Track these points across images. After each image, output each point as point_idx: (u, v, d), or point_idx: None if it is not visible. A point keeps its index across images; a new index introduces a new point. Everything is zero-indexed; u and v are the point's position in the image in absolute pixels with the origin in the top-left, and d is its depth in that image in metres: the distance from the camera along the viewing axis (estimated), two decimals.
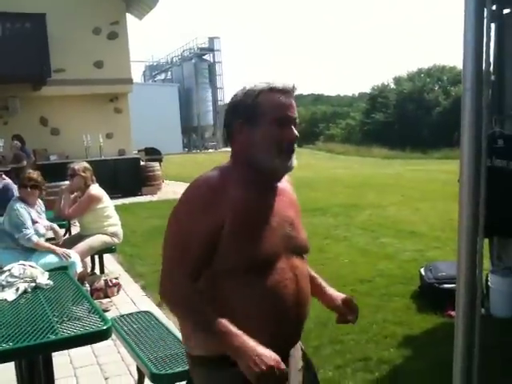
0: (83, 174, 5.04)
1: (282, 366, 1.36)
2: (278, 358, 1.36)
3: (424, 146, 29.09)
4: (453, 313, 4.24)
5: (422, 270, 4.81)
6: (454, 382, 1.29)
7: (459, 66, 42.20)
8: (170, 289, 1.48)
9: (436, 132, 31.79)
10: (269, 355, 1.35)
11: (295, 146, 1.56)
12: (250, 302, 1.45)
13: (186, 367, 2.41)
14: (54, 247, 4.48)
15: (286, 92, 1.54)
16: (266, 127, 1.51)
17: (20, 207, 4.33)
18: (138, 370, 2.98)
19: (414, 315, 4.31)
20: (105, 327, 2.02)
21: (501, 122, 3.96)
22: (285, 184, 1.65)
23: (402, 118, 33.24)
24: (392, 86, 38.30)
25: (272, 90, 1.52)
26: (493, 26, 3.47)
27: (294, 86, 1.56)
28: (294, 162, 1.56)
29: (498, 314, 4.17)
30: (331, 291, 1.82)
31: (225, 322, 1.39)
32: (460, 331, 1.28)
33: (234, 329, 1.38)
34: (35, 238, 4.34)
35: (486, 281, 4.37)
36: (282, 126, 1.52)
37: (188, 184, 1.63)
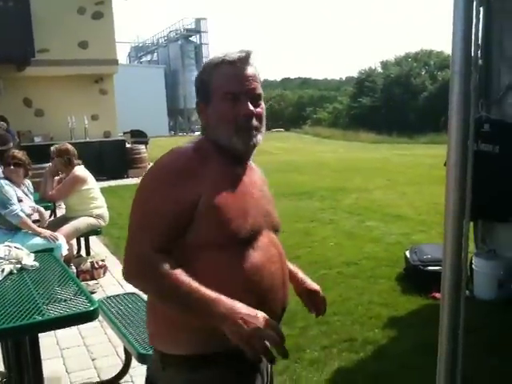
0: (59, 157, 5.01)
1: (274, 323, 1.24)
2: (267, 316, 1.24)
3: (410, 131, 29.23)
4: (437, 295, 4.30)
5: (407, 253, 4.87)
6: (439, 362, 1.31)
7: (446, 50, 42.24)
8: (135, 262, 1.32)
9: (422, 117, 31.93)
10: (257, 314, 1.23)
11: (257, 122, 1.41)
12: (237, 276, 1.34)
13: None
14: (40, 230, 4.44)
15: (240, 63, 1.40)
16: (217, 103, 1.39)
17: (5, 184, 4.29)
18: (125, 350, 3.00)
19: (399, 297, 4.37)
20: (91, 308, 2.02)
21: (487, 106, 3.98)
22: (255, 167, 1.57)
23: (389, 103, 33.32)
24: (379, 70, 38.32)
25: (223, 62, 1.40)
26: (481, 10, 3.46)
27: (249, 55, 1.41)
28: (259, 138, 1.42)
29: (482, 296, 4.24)
30: (302, 278, 1.75)
31: (200, 286, 1.25)
32: (445, 313, 1.30)
33: (212, 293, 1.25)
34: (22, 214, 4.31)
35: (470, 263, 4.43)
36: (236, 100, 1.38)
37: None
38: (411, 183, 10.98)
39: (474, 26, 1.15)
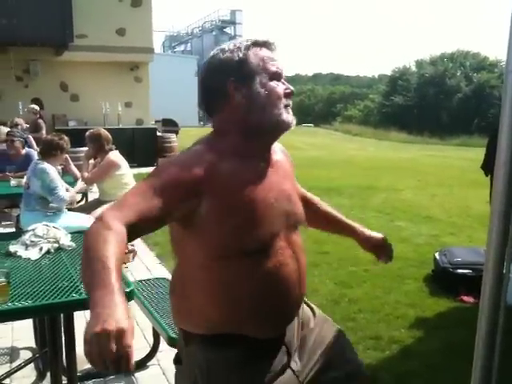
0: (93, 142, 5.11)
1: (127, 339, 0.98)
2: (126, 327, 0.98)
3: (442, 132, 28.83)
4: (466, 298, 4.26)
5: (437, 255, 4.82)
6: (475, 369, 1.30)
7: (483, 52, 41.46)
8: (101, 215, 1.24)
9: (455, 118, 31.45)
10: (116, 319, 0.98)
11: (290, 101, 1.45)
12: (250, 284, 1.35)
13: None
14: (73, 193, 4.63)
15: (270, 46, 1.45)
16: (262, 82, 1.39)
17: (51, 170, 4.36)
18: (154, 334, 3.05)
19: (427, 298, 4.33)
20: (127, 290, 2.05)
21: None
22: (278, 154, 1.54)
23: (422, 103, 32.90)
24: (413, 69, 37.81)
25: (257, 43, 1.43)
26: None
27: (274, 42, 1.46)
28: (293, 118, 1.45)
29: (510, 302, 4.17)
30: (361, 229, 1.92)
31: (112, 272, 1.08)
32: (483, 317, 1.28)
33: (112, 283, 1.06)
34: (67, 198, 4.43)
35: None
36: (277, 80, 1.42)
37: None
38: (442, 185, 10.83)
39: None
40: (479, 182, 10.11)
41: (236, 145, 1.39)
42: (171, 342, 2.41)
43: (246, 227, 1.33)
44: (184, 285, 1.45)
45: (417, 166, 14.58)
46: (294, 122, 1.44)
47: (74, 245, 2.77)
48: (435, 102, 33.16)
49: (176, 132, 15.78)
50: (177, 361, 1.55)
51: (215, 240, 1.32)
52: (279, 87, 1.41)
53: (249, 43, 1.42)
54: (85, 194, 6.65)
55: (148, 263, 5.24)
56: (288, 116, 1.42)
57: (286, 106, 1.42)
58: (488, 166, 4.22)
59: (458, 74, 35.02)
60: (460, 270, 4.45)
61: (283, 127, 1.42)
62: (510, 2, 1.21)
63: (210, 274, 1.36)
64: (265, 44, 1.43)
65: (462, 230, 6.87)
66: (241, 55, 1.39)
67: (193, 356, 1.43)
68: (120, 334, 0.96)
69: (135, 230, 1.24)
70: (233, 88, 1.38)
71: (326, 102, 46.34)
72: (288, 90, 1.43)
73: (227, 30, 43.70)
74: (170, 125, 16.74)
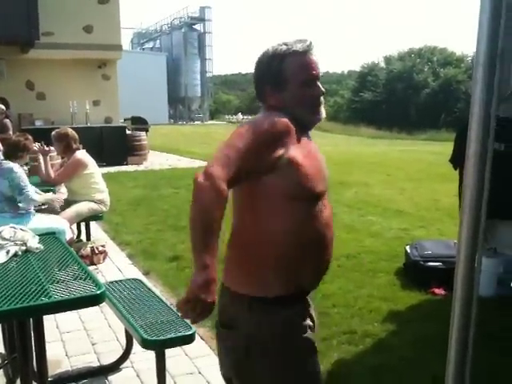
0: (59, 141, 5.03)
1: (210, 299, 1.39)
2: (210, 290, 1.39)
3: (411, 127, 29.23)
4: (437, 290, 4.32)
5: (408, 248, 4.88)
6: (449, 360, 1.31)
7: (450, 47, 42.15)
8: (206, 176, 1.43)
9: (423, 113, 31.94)
10: (213, 293, 1.39)
11: (322, 98, 1.67)
12: (312, 227, 1.58)
13: (178, 334, 2.44)
14: (51, 196, 4.50)
15: (309, 52, 1.61)
16: (296, 90, 1.60)
17: (19, 169, 4.27)
18: (127, 336, 3.01)
19: (399, 291, 4.38)
20: (98, 292, 2.02)
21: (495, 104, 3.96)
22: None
23: (391, 98, 33.35)
24: (382, 64, 38.24)
25: (295, 52, 1.60)
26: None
27: (311, 43, 1.63)
28: (324, 112, 1.68)
29: (481, 294, 4.23)
30: None
31: (215, 240, 1.42)
32: (457, 309, 1.29)
33: (212, 254, 1.40)
34: (36, 197, 4.33)
35: None
36: (310, 85, 1.62)
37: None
38: (411, 179, 10.99)
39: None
40: (447, 176, 10.29)
41: (293, 120, 1.59)
42: (145, 344, 2.38)
43: (312, 175, 1.55)
44: (252, 240, 1.59)
45: (386, 160, 14.76)
46: (324, 115, 1.68)
47: (42, 247, 2.71)
48: (403, 98, 33.64)
49: (146, 130, 15.64)
50: (227, 326, 1.64)
51: (293, 183, 1.52)
52: (308, 92, 1.62)
53: (287, 51, 1.60)
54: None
55: (119, 264, 5.17)
56: (314, 116, 1.65)
57: (317, 106, 1.64)
58: (456, 160, 4.29)
59: (426, 69, 35.59)
60: (431, 263, 4.51)
61: (313, 123, 1.69)
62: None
63: (284, 216, 1.55)
64: (302, 52, 1.61)
65: (431, 223, 6.98)
66: (276, 65, 1.60)
67: (256, 322, 1.56)
68: (207, 295, 1.38)
69: (232, 185, 1.46)
70: (268, 94, 1.63)
71: None
72: (318, 93, 1.64)
73: (196, 26, 43.44)
74: (140, 123, 16.59)
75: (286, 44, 1.62)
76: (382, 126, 30.16)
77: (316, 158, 1.63)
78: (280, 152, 1.51)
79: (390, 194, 9.21)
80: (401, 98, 33.74)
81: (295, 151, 1.54)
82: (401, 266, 4.91)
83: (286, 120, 1.54)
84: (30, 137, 4.56)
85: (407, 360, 3.25)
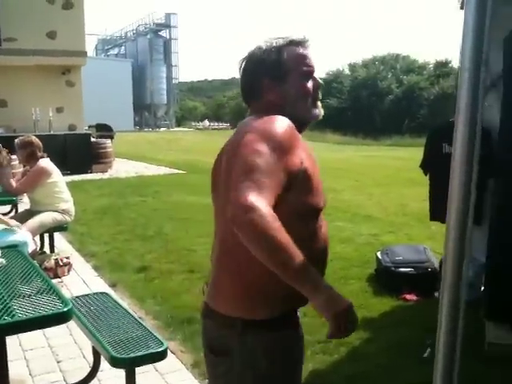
0: (23, 149, 4.86)
1: (354, 311, 1.34)
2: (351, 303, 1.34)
3: (376, 133, 29.65)
4: (408, 296, 4.32)
5: (379, 254, 4.87)
6: (436, 367, 1.27)
7: (413, 55, 43.04)
8: (252, 208, 1.22)
9: (387, 119, 32.45)
10: (346, 299, 1.32)
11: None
12: (315, 244, 1.49)
13: (148, 351, 2.34)
14: (5, 219, 4.26)
15: (306, 43, 1.56)
16: (296, 80, 1.52)
17: None
18: (94, 353, 2.87)
19: (371, 298, 4.36)
20: (65, 309, 1.90)
21: None
22: None
23: (356, 105, 33.74)
24: (347, 71, 38.72)
25: (293, 42, 1.53)
26: (462, 13, 3.45)
27: (305, 36, 1.58)
28: (322, 109, 1.62)
29: None
30: None
31: (303, 256, 1.27)
32: (443, 315, 1.25)
33: (311, 266, 1.28)
34: None
35: (441, 265, 4.46)
36: (309, 77, 1.55)
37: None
38: (379, 184, 11.10)
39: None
40: (414, 181, 10.46)
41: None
42: (113, 362, 2.27)
43: (319, 187, 1.48)
44: (247, 261, 1.37)
45: (353, 166, 14.89)
46: (322, 113, 1.61)
47: (4, 261, 2.56)
48: (368, 104, 34.11)
49: (111, 137, 15.41)
50: (218, 352, 1.54)
51: (305, 198, 1.43)
52: (309, 84, 1.54)
53: (284, 43, 1.52)
54: (15, 205, 6.31)
55: (85, 276, 5.00)
56: (315, 110, 1.58)
57: (315, 100, 1.57)
58: (427, 166, 4.30)
59: (389, 76, 36.20)
60: (402, 269, 4.52)
61: (312, 119, 1.59)
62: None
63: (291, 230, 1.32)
64: (300, 43, 1.54)
65: (400, 228, 7.03)
66: (275, 56, 1.51)
67: (250, 345, 1.45)
68: (351, 308, 1.32)
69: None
70: (267, 87, 1.51)
71: None
72: (317, 85, 1.57)
73: (162, 33, 43.19)
74: (105, 130, 16.32)
75: (281, 37, 1.54)
76: (347, 132, 30.47)
77: (317, 164, 1.51)
78: (298, 161, 1.37)
79: (359, 200, 9.26)
80: (365, 104, 34.21)
81: (307, 160, 1.42)
82: (372, 272, 4.90)
83: (290, 122, 1.42)
84: None
85: (382, 367, 3.22)
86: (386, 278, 4.60)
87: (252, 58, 1.55)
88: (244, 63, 1.57)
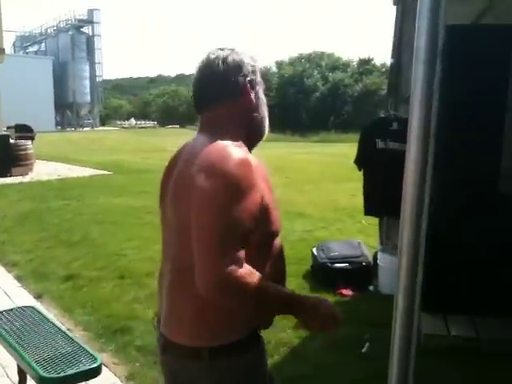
0: None
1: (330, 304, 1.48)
2: (327, 299, 1.50)
3: (303, 130, 30.16)
4: (344, 291, 4.35)
5: (315, 250, 4.88)
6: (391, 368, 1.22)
7: (337, 52, 44.17)
8: (224, 283, 1.27)
9: (314, 116, 33.11)
10: (324, 300, 1.48)
11: None
12: (276, 262, 1.49)
13: (80, 368, 2.17)
14: None
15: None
16: (261, 94, 1.55)
17: None
18: (20, 372, 2.65)
19: (308, 295, 4.35)
20: None
21: (395, 105, 4.08)
22: None
23: (283, 102, 34.10)
24: (274, 69, 39.09)
25: (257, 60, 1.56)
26: (395, 9, 3.52)
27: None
28: None
29: (386, 291, 4.33)
30: None
31: (274, 284, 1.40)
32: (399, 315, 1.20)
33: (285, 289, 1.45)
34: None
35: (376, 259, 4.53)
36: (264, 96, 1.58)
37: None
38: (309, 181, 11.23)
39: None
40: (343, 177, 10.67)
41: (244, 142, 1.49)
42: (42, 382, 2.08)
43: (276, 212, 1.47)
44: None
45: (283, 163, 14.98)
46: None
47: None
48: (295, 101, 34.59)
49: (31, 138, 14.71)
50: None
51: (265, 230, 1.41)
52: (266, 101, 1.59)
53: (255, 58, 1.55)
54: None
55: (6, 287, 4.66)
56: (267, 126, 1.61)
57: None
58: (361, 161, 4.34)
59: (315, 73, 36.85)
60: (338, 264, 4.55)
61: (263, 135, 1.60)
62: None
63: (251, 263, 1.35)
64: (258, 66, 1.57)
65: (332, 223, 7.12)
66: (253, 63, 1.52)
67: (220, 370, 1.42)
68: (329, 304, 1.47)
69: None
70: (249, 87, 1.49)
71: (190, 104, 46.26)
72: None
73: (84, 29, 41.79)
74: (25, 131, 15.57)
75: (242, 52, 1.54)
76: (275, 129, 30.75)
77: (271, 187, 1.48)
78: (259, 198, 1.37)
79: (291, 197, 9.29)
80: (292, 101, 34.66)
81: (265, 190, 1.41)
82: (308, 269, 4.91)
83: (245, 152, 1.42)
84: None
85: (322, 366, 3.22)
86: (322, 274, 4.61)
87: (231, 58, 1.50)
88: (222, 62, 1.50)
